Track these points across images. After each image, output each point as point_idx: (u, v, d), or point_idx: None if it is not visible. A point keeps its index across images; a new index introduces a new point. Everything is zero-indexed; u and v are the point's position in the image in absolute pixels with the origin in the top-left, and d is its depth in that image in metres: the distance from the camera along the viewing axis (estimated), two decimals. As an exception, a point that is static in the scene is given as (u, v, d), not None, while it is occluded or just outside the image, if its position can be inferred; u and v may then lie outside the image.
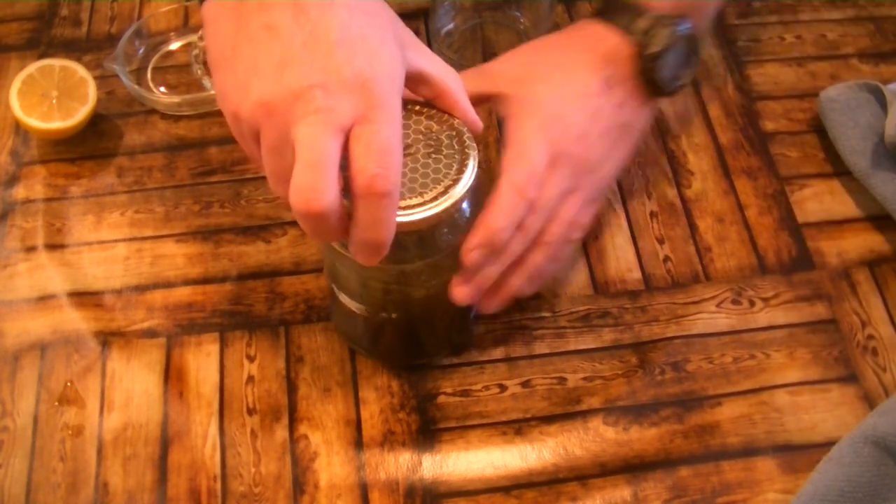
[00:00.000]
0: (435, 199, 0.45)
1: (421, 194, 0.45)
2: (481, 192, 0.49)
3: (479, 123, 0.48)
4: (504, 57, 0.56)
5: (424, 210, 0.44)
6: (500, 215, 0.49)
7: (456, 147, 0.46)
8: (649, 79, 0.54)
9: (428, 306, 0.53)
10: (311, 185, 0.39)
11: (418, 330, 0.56)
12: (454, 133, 0.47)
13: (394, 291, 0.51)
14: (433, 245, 0.48)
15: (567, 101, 0.52)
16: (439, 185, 0.45)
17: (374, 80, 0.41)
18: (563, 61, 0.54)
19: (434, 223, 0.45)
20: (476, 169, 0.46)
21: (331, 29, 0.41)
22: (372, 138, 0.40)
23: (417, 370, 0.57)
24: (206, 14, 0.44)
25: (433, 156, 0.46)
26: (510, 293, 0.54)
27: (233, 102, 0.42)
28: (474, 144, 0.47)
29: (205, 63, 0.69)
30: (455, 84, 0.47)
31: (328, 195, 0.40)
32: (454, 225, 0.48)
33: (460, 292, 0.51)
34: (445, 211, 0.45)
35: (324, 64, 0.40)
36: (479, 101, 0.54)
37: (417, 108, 0.48)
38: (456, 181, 0.45)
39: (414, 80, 0.45)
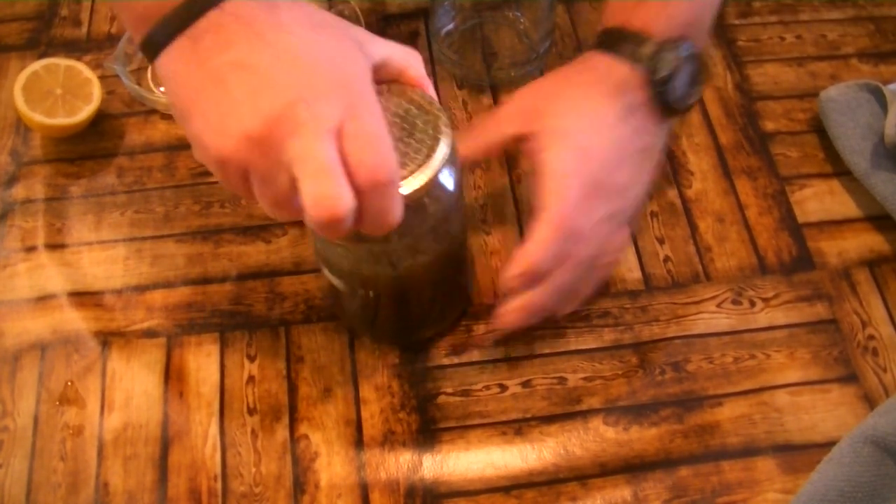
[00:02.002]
0: (413, 173, 0.45)
1: (401, 169, 0.45)
2: (457, 161, 0.49)
3: (434, 93, 0.49)
4: (515, 97, 0.57)
5: (406, 185, 0.45)
6: (540, 249, 0.51)
7: (428, 122, 0.47)
8: (662, 102, 0.55)
9: (417, 280, 0.53)
10: (328, 193, 0.40)
11: (408, 306, 0.56)
12: (423, 107, 0.47)
13: (383, 268, 0.51)
14: (420, 218, 0.48)
15: (593, 133, 0.54)
16: (416, 159, 0.45)
17: (346, 80, 0.42)
18: (581, 94, 0.55)
19: (417, 197, 0.45)
20: (450, 141, 0.47)
21: (291, 46, 0.41)
22: (362, 132, 0.41)
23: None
24: (162, 71, 0.43)
25: (406, 133, 0.46)
26: (551, 314, 0.56)
27: (213, 147, 0.41)
28: (445, 118, 0.47)
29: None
30: (414, 60, 0.48)
31: (346, 197, 0.40)
32: (435, 198, 0.48)
33: (508, 319, 0.54)
34: (423, 187, 0.45)
35: (295, 80, 0.41)
36: (504, 144, 0.56)
37: (383, 88, 0.48)
38: (430, 156, 0.46)
39: (376, 67, 0.46)
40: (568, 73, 0.57)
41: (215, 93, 0.41)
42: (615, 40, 0.55)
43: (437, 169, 0.46)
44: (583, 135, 0.54)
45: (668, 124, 0.57)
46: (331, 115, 0.40)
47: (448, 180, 0.48)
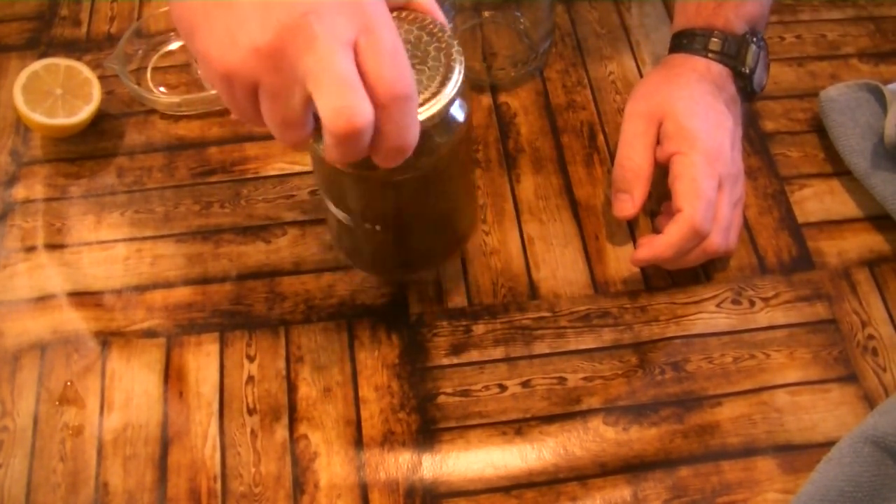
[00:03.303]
0: (426, 102, 0.45)
1: None
2: (468, 94, 0.49)
3: (446, 21, 0.49)
4: (638, 99, 0.62)
5: (422, 111, 0.44)
6: (670, 245, 0.57)
7: (440, 47, 0.46)
8: (749, 91, 0.63)
9: (421, 213, 0.53)
10: (348, 103, 0.39)
11: (410, 239, 0.56)
12: (434, 34, 0.47)
13: (388, 199, 0.51)
14: (430, 149, 0.48)
15: (716, 131, 0.59)
16: (431, 85, 0.45)
17: None
18: (695, 94, 0.60)
19: (431, 124, 0.45)
20: (462, 72, 0.46)
21: None
22: (380, 46, 0.40)
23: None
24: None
25: (419, 59, 0.46)
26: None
27: (220, 61, 0.40)
28: (458, 46, 0.47)
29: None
30: None
31: (366, 108, 0.39)
32: (445, 128, 0.48)
33: (641, 254, 0.59)
34: (438, 113, 0.45)
35: None
36: (663, 161, 0.60)
37: (394, 14, 0.47)
38: (444, 84, 0.45)
39: None
40: (672, 75, 0.62)
41: (222, 10, 0.40)
42: (701, 40, 0.62)
43: (452, 97, 0.45)
44: (711, 135, 0.59)
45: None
46: (346, 28, 0.40)
47: (458, 112, 0.48)
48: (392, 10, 0.47)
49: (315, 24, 0.39)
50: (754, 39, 0.62)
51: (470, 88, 0.51)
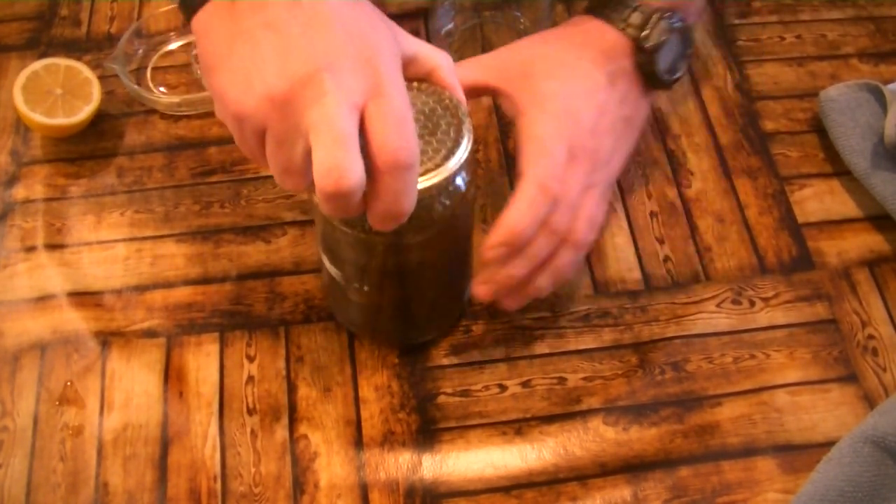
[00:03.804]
0: (427, 172, 0.45)
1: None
2: (474, 167, 0.49)
3: (464, 98, 0.49)
4: (501, 51, 0.56)
5: (422, 181, 0.44)
6: (523, 213, 0.49)
7: (451, 122, 0.47)
8: (648, 72, 0.55)
9: (420, 280, 0.53)
10: (339, 164, 0.39)
11: (408, 305, 0.56)
12: (448, 108, 0.47)
13: (387, 263, 0.51)
14: (429, 217, 0.48)
15: (576, 96, 0.53)
16: (436, 157, 0.45)
17: (377, 56, 0.41)
18: (566, 57, 0.54)
19: (430, 195, 0.46)
20: (471, 143, 0.46)
21: (326, 15, 0.41)
22: (388, 111, 0.41)
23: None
24: (197, 26, 0.44)
25: (429, 130, 0.46)
26: (533, 293, 0.54)
27: (235, 102, 0.41)
28: (469, 119, 0.47)
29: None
30: (445, 61, 0.48)
31: (356, 171, 0.40)
32: (447, 199, 0.48)
33: (482, 291, 0.52)
34: (437, 185, 0.45)
35: (325, 47, 0.40)
36: (478, 92, 0.55)
37: (412, 84, 0.48)
38: (449, 157, 0.46)
39: (406, 62, 0.46)
40: (557, 34, 0.56)
41: (244, 50, 0.41)
42: (606, 4, 0.55)
43: (454, 171, 0.45)
44: (568, 98, 0.52)
45: (651, 99, 0.57)
46: (356, 88, 0.40)
47: (461, 184, 0.48)
48: (412, 79, 0.47)
49: (328, 80, 0.40)
50: (668, 15, 0.54)
51: (475, 161, 0.50)
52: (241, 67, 0.41)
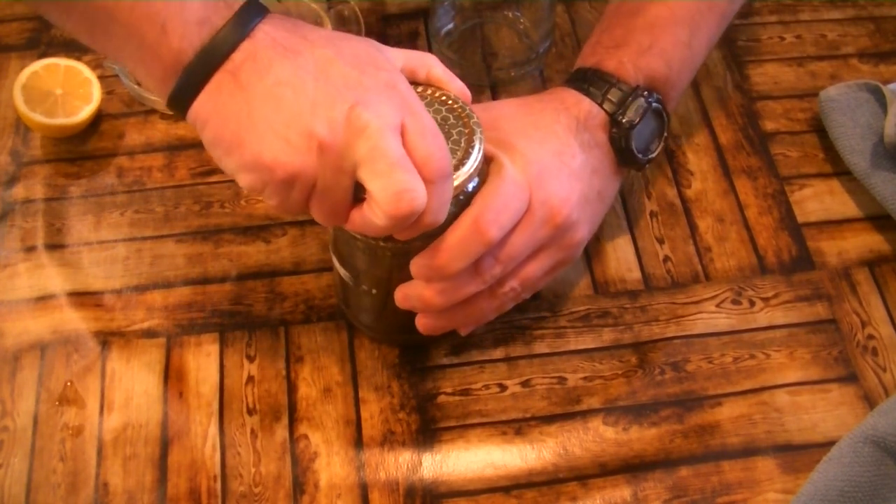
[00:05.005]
0: None
1: None
2: (485, 173, 0.50)
3: (468, 91, 0.49)
4: (476, 107, 0.51)
5: None
6: (450, 250, 0.48)
7: (463, 131, 0.48)
8: (621, 148, 0.54)
9: None
10: (406, 186, 0.41)
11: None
12: (461, 117, 0.49)
13: (397, 267, 0.51)
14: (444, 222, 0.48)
15: (549, 157, 0.52)
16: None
17: (392, 78, 0.43)
18: (541, 121, 0.54)
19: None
20: (482, 149, 0.48)
21: (328, 58, 0.42)
22: (423, 127, 0.42)
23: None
24: (200, 112, 0.42)
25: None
26: (457, 326, 0.54)
27: (281, 165, 0.41)
28: (480, 128, 0.48)
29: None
30: (433, 60, 0.49)
31: (422, 189, 0.41)
32: (456, 205, 0.49)
33: (423, 325, 0.53)
34: (457, 188, 0.46)
35: (345, 85, 0.41)
36: None
37: (419, 90, 0.49)
38: (463, 161, 0.47)
39: (403, 72, 0.47)
40: (533, 98, 0.57)
41: (268, 112, 0.41)
42: (586, 78, 0.56)
43: (468, 178, 0.47)
44: (542, 158, 0.52)
45: (621, 176, 0.57)
46: (391, 113, 0.41)
47: (471, 190, 0.49)
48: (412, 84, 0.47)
49: (364, 113, 0.41)
50: (645, 94, 0.54)
51: (486, 167, 0.50)
52: (272, 130, 0.41)
